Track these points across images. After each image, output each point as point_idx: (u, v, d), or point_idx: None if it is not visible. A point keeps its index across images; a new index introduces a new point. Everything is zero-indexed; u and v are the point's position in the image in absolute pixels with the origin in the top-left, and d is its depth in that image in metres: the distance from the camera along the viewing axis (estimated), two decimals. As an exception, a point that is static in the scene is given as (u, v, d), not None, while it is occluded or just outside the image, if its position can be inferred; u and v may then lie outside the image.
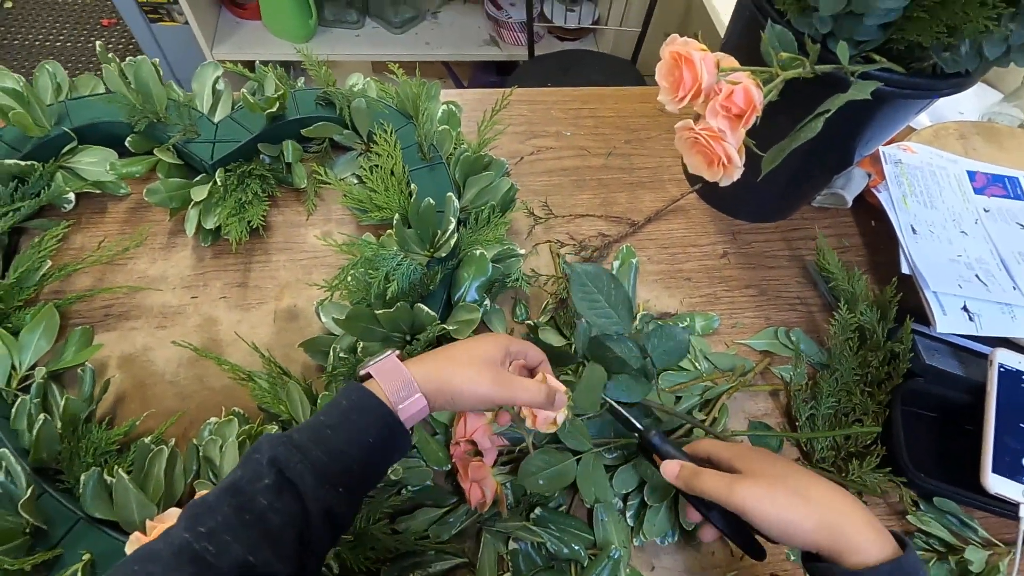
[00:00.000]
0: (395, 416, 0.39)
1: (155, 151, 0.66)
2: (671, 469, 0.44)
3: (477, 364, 0.42)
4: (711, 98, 0.43)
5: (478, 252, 0.62)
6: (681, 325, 0.65)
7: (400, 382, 0.40)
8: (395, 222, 0.59)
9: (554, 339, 0.64)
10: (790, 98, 0.46)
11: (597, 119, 0.85)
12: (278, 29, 1.55)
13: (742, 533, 0.43)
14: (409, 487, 0.54)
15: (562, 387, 0.46)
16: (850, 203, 0.77)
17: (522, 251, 0.67)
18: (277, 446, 0.36)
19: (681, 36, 0.44)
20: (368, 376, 0.42)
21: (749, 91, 0.42)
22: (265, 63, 0.74)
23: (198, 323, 0.63)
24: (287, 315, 0.64)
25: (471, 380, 0.41)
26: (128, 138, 0.66)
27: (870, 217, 0.79)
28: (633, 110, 0.86)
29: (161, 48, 1.67)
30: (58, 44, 2.04)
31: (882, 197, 0.72)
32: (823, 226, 0.78)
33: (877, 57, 0.48)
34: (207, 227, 0.64)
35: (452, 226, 0.60)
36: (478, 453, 0.52)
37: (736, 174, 0.45)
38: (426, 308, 0.55)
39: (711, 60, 0.43)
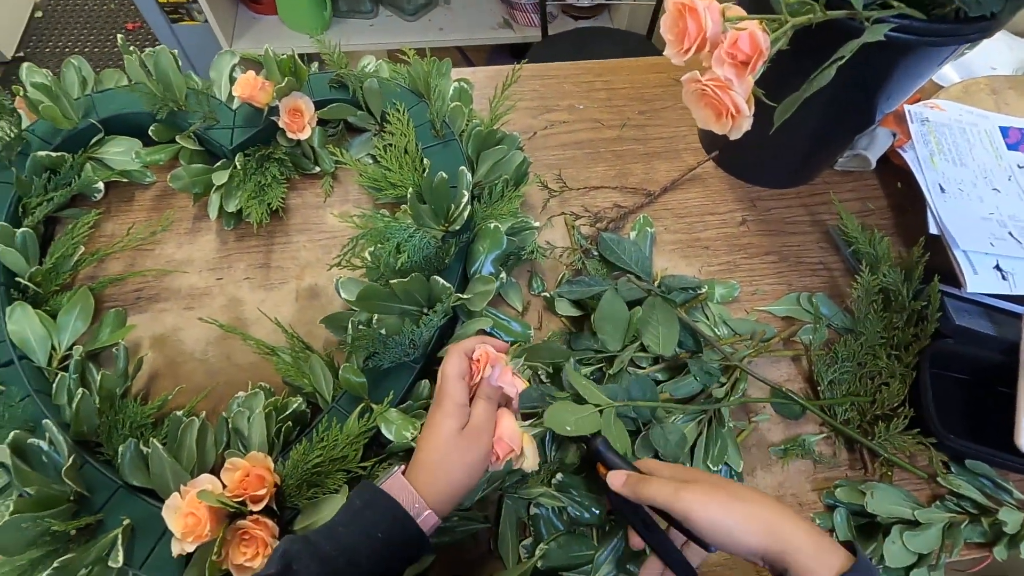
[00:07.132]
0: (404, 511, 0.40)
1: (177, 138, 0.68)
2: (618, 478, 0.43)
3: (469, 462, 0.43)
4: (717, 48, 0.42)
5: (492, 225, 0.62)
6: (700, 291, 0.64)
7: (410, 499, 0.41)
8: (409, 197, 0.60)
9: (570, 310, 0.64)
10: (801, 48, 0.45)
11: (611, 91, 0.84)
12: (294, 22, 1.57)
13: (672, 552, 0.43)
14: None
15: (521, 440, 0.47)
16: (874, 165, 0.75)
17: (536, 224, 0.67)
18: (293, 542, 0.39)
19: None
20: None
21: (755, 36, 0.41)
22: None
23: (224, 303, 0.65)
24: (309, 293, 0.66)
25: (468, 482, 0.44)
26: (151, 127, 0.68)
27: (895, 179, 0.76)
28: (646, 80, 0.85)
29: (183, 47, 1.71)
30: (86, 49, 2.11)
31: (908, 157, 0.70)
32: (846, 189, 0.76)
33: (895, 2, 0.46)
34: (229, 210, 0.66)
35: (465, 199, 0.60)
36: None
37: (745, 124, 0.44)
38: (442, 280, 0.56)
39: (716, 9, 0.42)
